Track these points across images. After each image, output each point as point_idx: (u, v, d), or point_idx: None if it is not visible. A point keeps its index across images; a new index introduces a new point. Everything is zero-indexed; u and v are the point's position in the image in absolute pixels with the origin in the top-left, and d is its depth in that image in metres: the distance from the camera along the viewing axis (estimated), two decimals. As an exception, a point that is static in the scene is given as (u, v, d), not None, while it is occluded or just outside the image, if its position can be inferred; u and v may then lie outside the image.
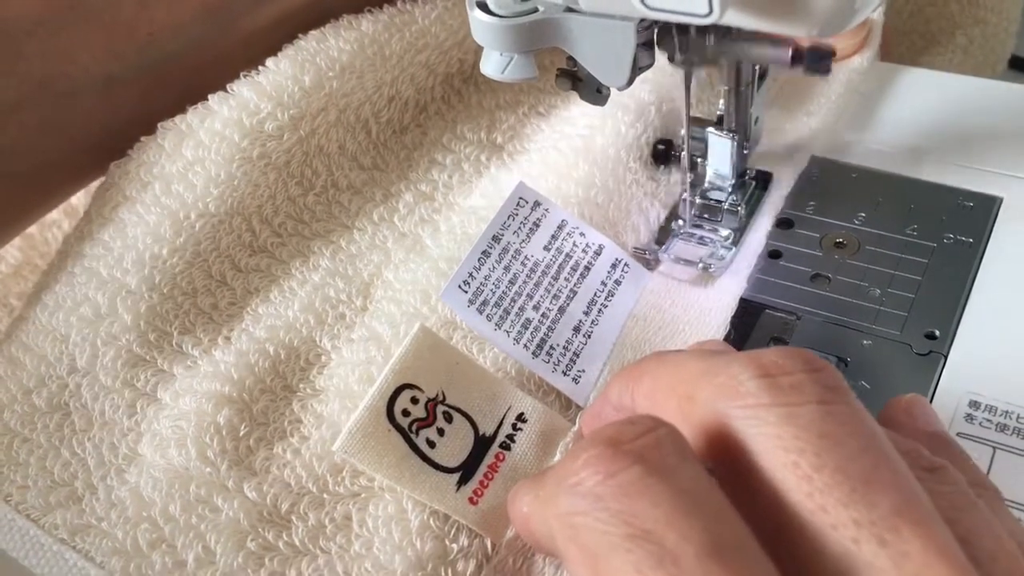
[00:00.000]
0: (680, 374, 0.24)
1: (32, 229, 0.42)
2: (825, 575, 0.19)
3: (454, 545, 0.29)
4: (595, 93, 0.35)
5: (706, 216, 0.39)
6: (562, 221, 0.36)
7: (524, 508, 0.26)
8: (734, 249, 0.38)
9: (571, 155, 0.40)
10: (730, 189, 0.39)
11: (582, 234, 0.36)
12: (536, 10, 0.31)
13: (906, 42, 0.59)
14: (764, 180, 0.41)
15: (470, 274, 0.33)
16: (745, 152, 0.38)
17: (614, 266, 0.37)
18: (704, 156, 0.38)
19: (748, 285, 0.37)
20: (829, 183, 0.41)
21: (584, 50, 0.32)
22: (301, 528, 0.30)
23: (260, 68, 0.39)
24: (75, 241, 0.37)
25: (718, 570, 0.19)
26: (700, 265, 0.38)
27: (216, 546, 0.29)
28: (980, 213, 0.39)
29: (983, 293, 0.36)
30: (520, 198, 0.35)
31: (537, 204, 0.36)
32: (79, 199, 0.42)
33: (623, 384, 0.27)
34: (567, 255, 0.36)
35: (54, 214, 0.42)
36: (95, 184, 0.41)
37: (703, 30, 0.32)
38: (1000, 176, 0.40)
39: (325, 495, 0.30)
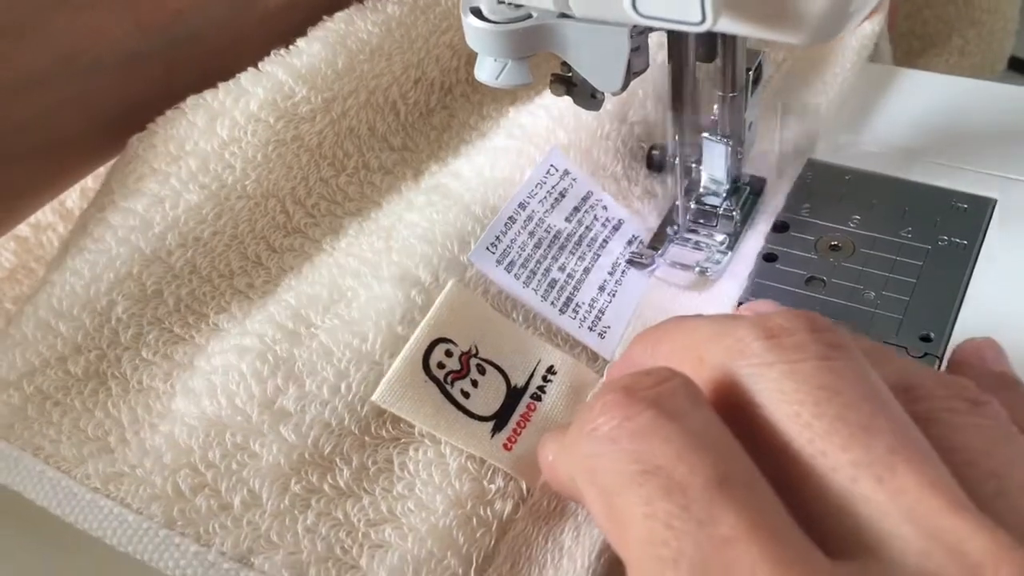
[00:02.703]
0: (693, 336, 0.25)
1: (27, 232, 0.42)
2: (827, 513, 0.20)
3: (492, 486, 0.30)
4: (589, 98, 0.35)
5: (701, 221, 0.39)
6: (588, 193, 0.38)
7: (550, 457, 0.28)
8: (730, 253, 0.38)
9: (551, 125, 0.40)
10: (724, 194, 0.39)
11: (604, 207, 0.38)
12: (530, 16, 0.31)
13: (903, 44, 0.60)
14: (758, 185, 0.41)
15: (497, 237, 0.35)
16: (739, 157, 0.38)
17: (630, 242, 0.38)
18: (698, 162, 0.38)
19: (744, 289, 0.37)
20: (824, 186, 0.41)
21: (578, 56, 0.32)
22: (345, 471, 0.30)
23: (291, 48, 0.40)
24: (96, 210, 0.37)
25: (723, 499, 0.20)
26: (696, 269, 0.38)
27: (261, 490, 0.29)
28: (974, 215, 0.39)
29: (978, 295, 0.36)
30: (551, 165, 0.37)
31: (567, 173, 0.37)
32: (74, 202, 0.42)
33: (644, 345, 0.28)
34: (587, 227, 0.38)
35: (49, 217, 0.42)
36: (92, 184, 0.41)
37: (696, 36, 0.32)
38: (994, 178, 0.41)
39: (367, 438, 0.31)
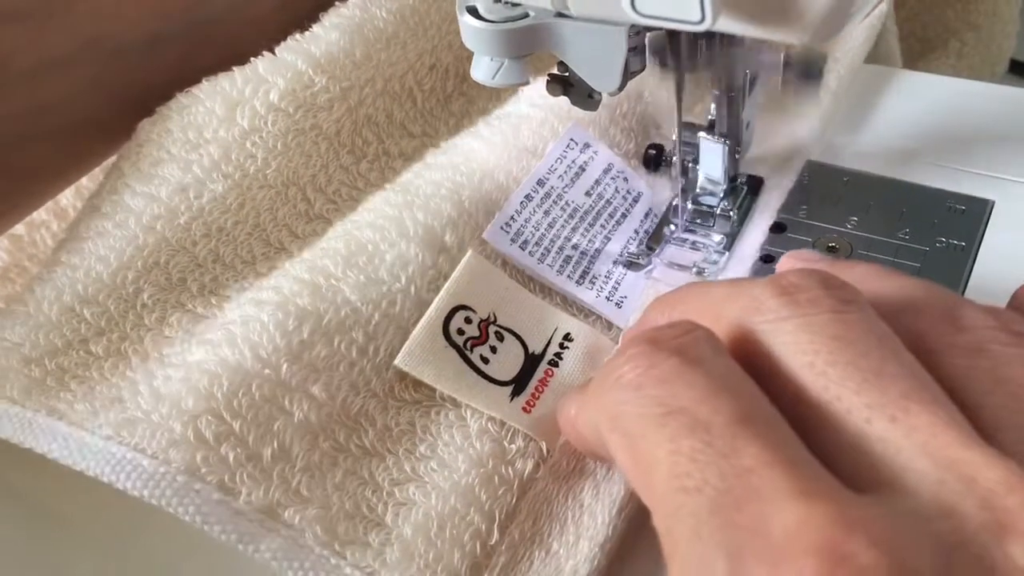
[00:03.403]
0: (709, 298, 0.26)
1: (21, 230, 0.42)
2: (842, 453, 0.21)
3: (512, 447, 0.31)
4: (586, 98, 0.35)
5: (698, 221, 0.39)
6: (608, 165, 0.38)
7: (572, 411, 0.29)
8: (727, 254, 0.38)
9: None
10: (722, 194, 0.39)
11: (625, 179, 0.39)
12: (526, 15, 0.31)
13: (903, 47, 0.60)
14: (755, 185, 0.41)
15: (512, 217, 0.36)
16: (737, 157, 0.38)
17: (647, 216, 0.39)
18: (696, 161, 0.38)
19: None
20: (821, 187, 0.41)
21: (575, 55, 0.32)
22: (370, 431, 0.31)
23: (308, 35, 0.40)
24: (110, 192, 0.37)
25: (746, 434, 0.20)
26: (694, 270, 0.38)
27: (292, 444, 0.29)
28: (972, 216, 0.39)
29: (975, 297, 0.35)
30: (571, 139, 0.37)
31: (587, 146, 0.38)
32: (68, 200, 0.42)
33: (659, 310, 0.29)
34: (607, 201, 0.39)
35: (43, 215, 0.42)
36: (87, 182, 0.41)
37: (695, 36, 0.31)
38: (992, 179, 0.40)
39: (390, 400, 0.31)
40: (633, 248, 0.38)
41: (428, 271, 0.33)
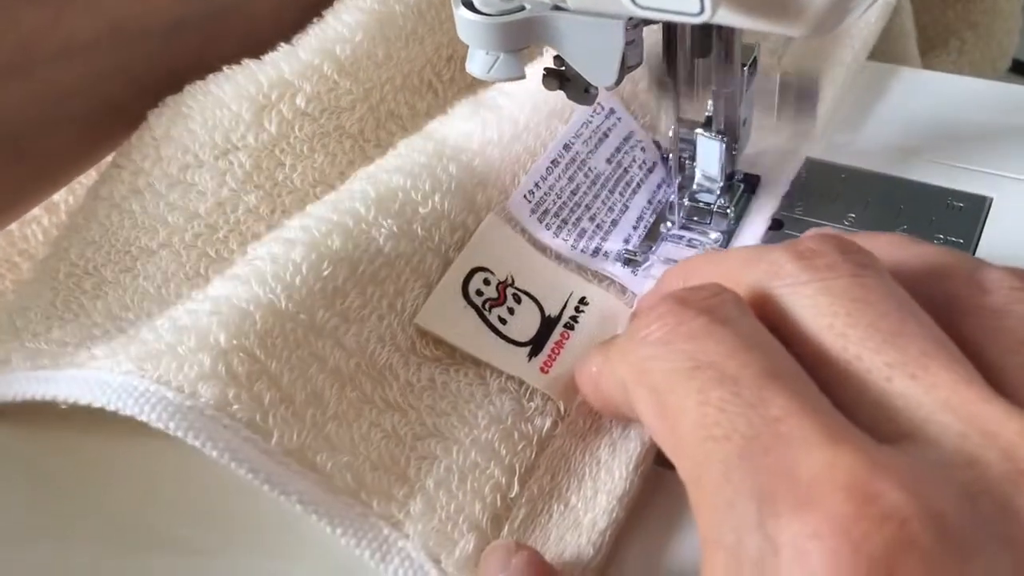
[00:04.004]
0: (727, 264, 0.27)
1: (11, 225, 0.41)
2: (863, 409, 0.21)
3: (531, 404, 0.31)
4: (583, 93, 0.34)
5: (695, 219, 0.39)
6: (630, 132, 0.39)
7: (593, 368, 0.29)
8: (724, 251, 0.38)
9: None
10: (718, 192, 0.38)
11: (643, 149, 0.40)
12: (523, 8, 0.31)
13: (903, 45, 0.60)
14: (752, 182, 0.41)
15: (536, 184, 0.37)
16: (734, 154, 0.38)
17: (659, 186, 0.40)
18: (692, 158, 0.38)
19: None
20: (819, 184, 0.41)
21: (571, 49, 0.31)
22: (394, 385, 0.31)
23: (332, 34, 0.40)
24: (130, 190, 0.37)
25: (773, 387, 0.21)
26: (689, 267, 0.37)
27: (324, 390, 0.29)
28: (970, 214, 0.39)
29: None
30: (599, 103, 0.38)
31: (612, 111, 0.39)
32: (60, 195, 0.41)
33: (675, 278, 0.29)
34: (625, 169, 0.39)
35: (35, 210, 0.42)
36: (81, 179, 0.41)
37: (693, 30, 0.31)
38: (990, 176, 0.40)
39: (412, 356, 0.32)
40: (633, 244, 0.38)
41: (457, 231, 0.34)
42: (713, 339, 0.22)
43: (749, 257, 0.26)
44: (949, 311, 0.23)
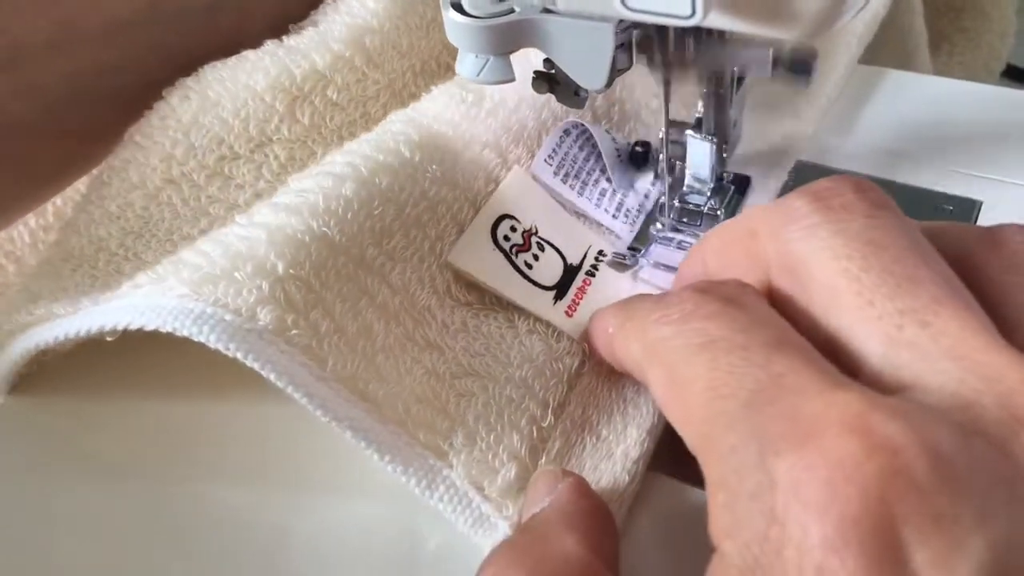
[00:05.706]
0: (742, 220, 0.27)
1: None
2: (872, 361, 0.22)
3: (559, 345, 0.33)
4: (572, 96, 0.34)
5: (685, 221, 0.39)
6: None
7: (609, 329, 0.30)
8: (714, 254, 0.38)
9: None
10: (709, 193, 0.38)
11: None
12: (512, 11, 0.30)
13: (894, 51, 0.60)
14: (742, 184, 0.40)
15: (553, 149, 0.38)
16: (724, 155, 0.38)
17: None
18: (682, 159, 0.38)
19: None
20: (808, 186, 0.41)
21: (561, 52, 0.31)
22: (433, 325, 0.32)
23: (360, 23, 0.41)
24: (164, 179, 0.37)
25: (780, 352, 0.22)
26: (680, 270, 0.37)
27: (374, 323, 0.30)
28: (960, 217, 0.39)
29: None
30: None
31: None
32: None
33: (693, 261, 0.30)
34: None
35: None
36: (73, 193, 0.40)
37: (683, 32, 0.31)
38: (980, 179, 0.40)
39: (447, 299, 0.33)
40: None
41: (491, 184, 0.35)
42: (726, 319, 0.23)
43: (767, 206, 0.26)
44: (964, 266, 0.23)
